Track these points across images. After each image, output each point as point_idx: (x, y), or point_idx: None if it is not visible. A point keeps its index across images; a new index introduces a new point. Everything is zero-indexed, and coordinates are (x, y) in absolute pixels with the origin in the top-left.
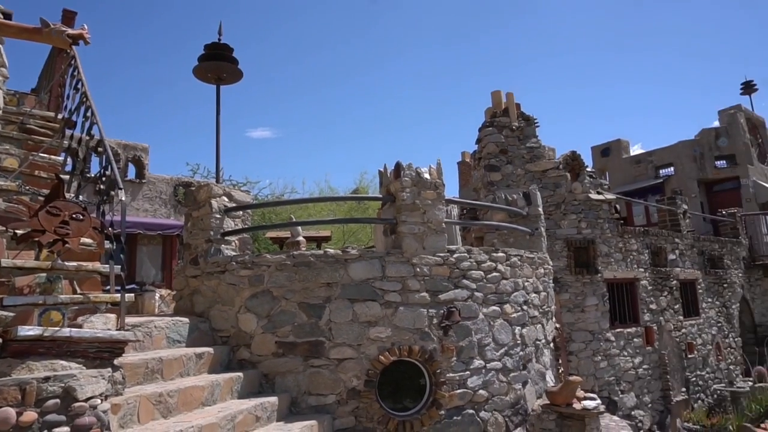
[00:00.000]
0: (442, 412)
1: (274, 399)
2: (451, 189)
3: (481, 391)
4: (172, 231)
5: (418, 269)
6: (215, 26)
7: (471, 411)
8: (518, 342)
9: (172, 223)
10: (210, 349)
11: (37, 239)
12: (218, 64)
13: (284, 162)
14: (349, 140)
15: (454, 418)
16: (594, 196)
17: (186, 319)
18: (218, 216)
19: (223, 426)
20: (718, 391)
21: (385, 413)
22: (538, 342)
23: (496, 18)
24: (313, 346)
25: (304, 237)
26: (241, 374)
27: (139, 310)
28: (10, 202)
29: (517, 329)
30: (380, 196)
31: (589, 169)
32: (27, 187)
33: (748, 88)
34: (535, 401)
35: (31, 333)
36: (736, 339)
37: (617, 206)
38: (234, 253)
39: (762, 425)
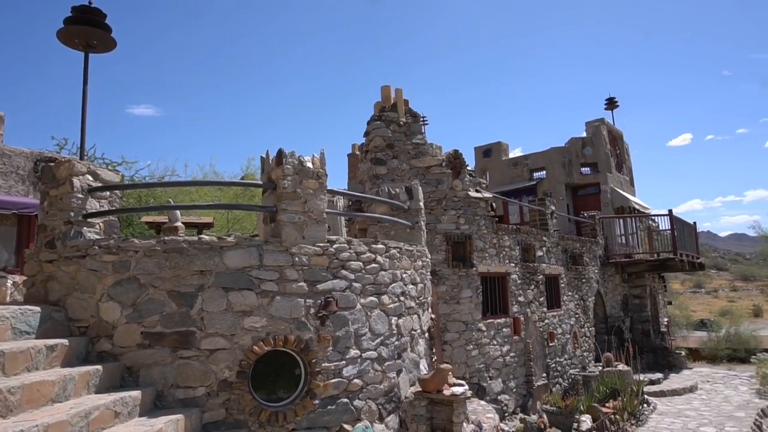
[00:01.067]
0: (317, 401)
1: (136, 393)
2: (341, 181)
3: (356, 380)
4: (30, 210)
5: (296, 259)
6: None
7: (345, 400)
8: (394, 332)
9: (30, 201)
10: (65, 341)
11: None
12: (87, 29)
13: (167, 143)
14: (239, 127)
15: (329, 407)
16: (473, 194)
17: (37, 308)
18: (80, 196)
19: (75, 423)
20: (573, 376)
21: (257, 404)
22: (413, 332)
23: (392, 11)
24: (182, 336)
25: (184, 223)
26: (100, 367)
27: None
28: None
29: (394, 319)
30: (261, 182)
31: (469, 168)
32: None
33: (611, 104)
34: (408, 389)
35: None
36: (590, 328)
37: (494, 204)
38: (97, 237)
39: (607, 404)
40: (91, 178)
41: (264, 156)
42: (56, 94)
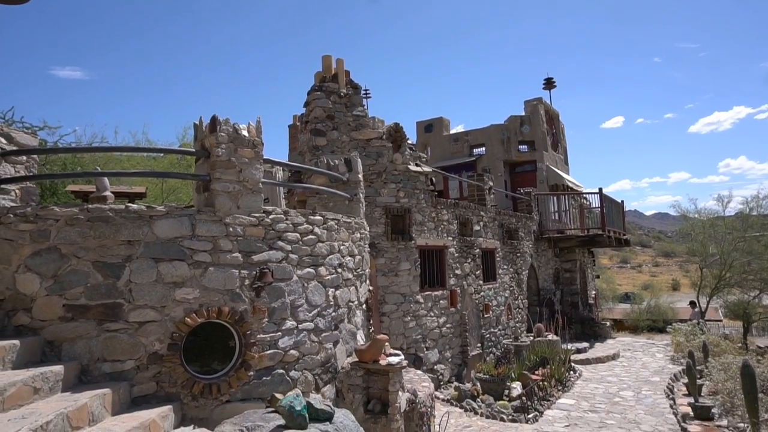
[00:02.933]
0: (251, 372)
1: (58, 368)
2: (282, 152)
3: (292, 351)
4: None
5: (231, 229)
6: None
7: (281, 371)
8: (331, 303)
9: None
10: None
11: None
12: None
13: (96, 109)
14: (177, 96)
15: (264, 378)
16: (413, 167)
17: None
18: None
19: None
20: (506, 345)
21: (190, 377)
22: (351, 303)
23: None
24: (109, 308)
25: (114, 192)
26: (17, 342)
27: None
28: None
29: (331, 291)
30: (193, 150)
31: (410, 142)
32: None
33: (549, 84)
34: (345, 359)
35: None
36: (523, 301)
37: (433, 179)
38: (13, 205)
39: (536, 372)
40: (4, 141)
41: (197, 123)
42: None
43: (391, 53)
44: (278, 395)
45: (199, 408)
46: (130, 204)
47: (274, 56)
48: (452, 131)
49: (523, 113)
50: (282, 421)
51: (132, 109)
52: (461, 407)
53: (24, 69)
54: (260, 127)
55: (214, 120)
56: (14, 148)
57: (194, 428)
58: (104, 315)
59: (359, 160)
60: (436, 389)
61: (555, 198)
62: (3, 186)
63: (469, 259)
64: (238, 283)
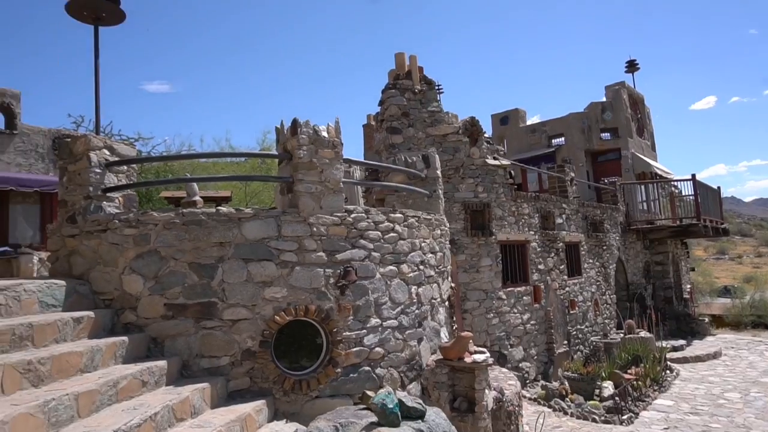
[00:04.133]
0: (339, 369)
1: (162, 363)
2: (357, 151)
3: (377, 349)
4: (52, 188)
5: (314, 229)
6: None
7: (367, 368)
8: (414, 301)
9: (50, 179)
10: (90, 313)
11: None
12: (95, 1)
13: (183, 119)
14: (254, 99)
15: (351, 375)
16: (491, 161)
17: (62, 282)
18: (98, 170)
19: (104, 392)
20: (594, 343)
21: (281, 373)
22: (433, 300)
23: None
24: (205, 307)
25: (202, 197)
26: (126, 338)
27: (14, 274)
28: None
29: (414, 288)
30: (276, 153)
31: (487, 136)
32: None
33: (632, 66)
34: (429, 357)
35: None
36: (611, 296)
37: (512, 172)
38: (117, 211)
39: (629, 371)
40: (107, 153)
41: (279, 126)
42: (71, 71)
43: (462, 46)
44: (369, 392)
45: (290, 403)
46: (220, 207)
47: (346, 56)
48: (529, 122)
49: (605, 99)
50: (374, 418)
51: (215, 117)
52: (549, 406)
53: (118, 86)
54: (339, 127)
55: (294, 123)
56: (116, 158)
57: (286, 422)
58: (201, 313)
59: (437, 156)
60: (522, 387)
61: (642, 187)
62: (108, 194)
63: (552, 254)
64: (323, 281)
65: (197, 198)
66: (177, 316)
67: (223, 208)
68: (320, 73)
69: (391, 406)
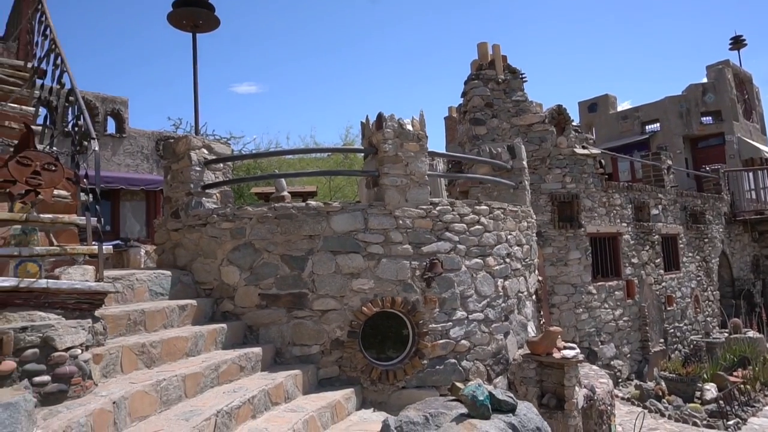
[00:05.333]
0: (425, 361)
1: (258, 349)
2: (439, 144)
3: (463, 341)
4: (156, 186)
5: (400, 221)
6: None
7: (453, 360)
8: (500, 294)
9: (155, 178)
10: (193, 302)
11: (7, 190)
12: (193, 10)
13: (269, 117)
14: (336, 96)
15: (437, 367)
16: (579, 150)
17: (168, 272)
18: (198, 169)
19: (207, 375)
20: (695, 342)
21: (368, 363)
22: (520, 294)
23: None
24: (296, 297)
25: (289, 192)
26: (225, 325)
27: (125, 265)
28: None
29: (500, 281)
30: (362, 147)
31: (575, 124)
32: None
33: (737, 43)
34: (516, 351)
35: (6, 284)
36: (714, 292)
37: (602, 161)
38: (215, 206)
39: (734, 373)
40: (206, 152)
41: (364, 121)
42: (169, 76)
43: (545, 30)
44: (458, 384)
45: (378, 392)
46: (309, 201)
47: (425, 48)
48: (619, 108)
49: (706, 80)
50: (464, 410)
51: (300, 115)
52: (644, 407)
53: (210, 89)
54: (423, 120)
55: (380, 117)
56: (213, 157)
57: (374, 411)
58: (292, 303)
59: (522, 146)
60: (613, 387)
61: (750, 174)
62: (207, 190)
63: (647, 247)
64: (409, 273)
65: (285, 193)
66: (270, 306)
67: (312, 202)
68: (401, 66)
69: (481, 398)
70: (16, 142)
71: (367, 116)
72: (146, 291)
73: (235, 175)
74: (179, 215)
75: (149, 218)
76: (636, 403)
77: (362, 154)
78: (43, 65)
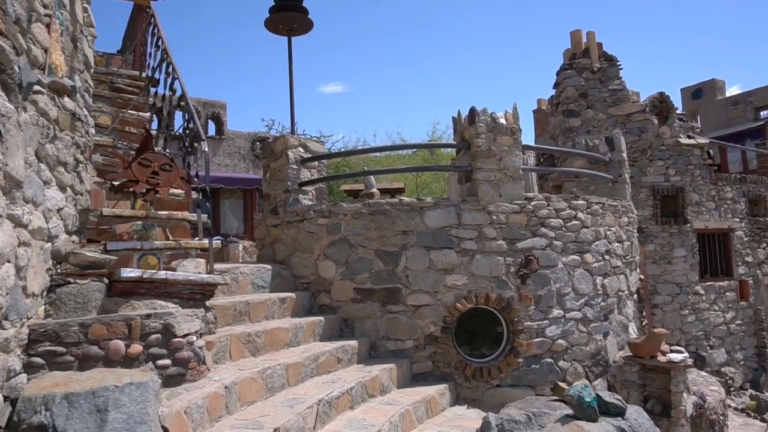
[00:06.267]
0: (520, 359)
1: (354, 342)
2: (528, 138)
3: (560, 341)
4: (252, 184)
5: (494, 217)
6: None
7: (549, 360)
8: (599, 292)
9: (251, 176)
10: (292, 294)
11: (131, 189)
12: (289, 14)
13: (356, 116)
14: (421, 92)
15: (532, 366)
16: (684, 140)
17: (269, 266)
18: (295, 167)
19: (307, 365)
20: None
21: (462, 359)
22: (620, 293)
23: None
24: (390, 292)
25: (377, 189)
26: (322, 318)
27: (225, 259)
28: (106, 156)
29: (599, 279)
30: (454, 143)
31: (678, 112)
32: (121, 142)
33: None
34: (616, 353)
35: (132, 274)
36: None
37: (710, 151)
38: (311, 203)
39: None
40: (302, 150)
41: (455, 116)
42: (259, 77)
43: (640, 14)
44: (562, 384)
45: (471, 389)
46: (402, 197)
47: (512, 39)
48: (728, 94)
49: None
50: (568, 411)
51: (386, 112)
52: (762, 420)
53: (298, 90)
54: (517, 113)
55: (472, 112)
56: (309, 155)
57: (468, 408)
58: (386, 298)
59: (621, 137)
60: (725, 395)
61: None
62: (303, 188)
63: (764, 244)
64: (503, 270)
65: (374, 190)
66: (365, 300)
67: (406, 198)
68: (486, 59)
69: (588, 399)
70: (136, 145)
71: (459, 111)
72: (249, 284)
73: (326, 175)
74: (278, 212)
75: (246, 215)
76: (752, 414)
77: (450, 150)
78: (156, 74)
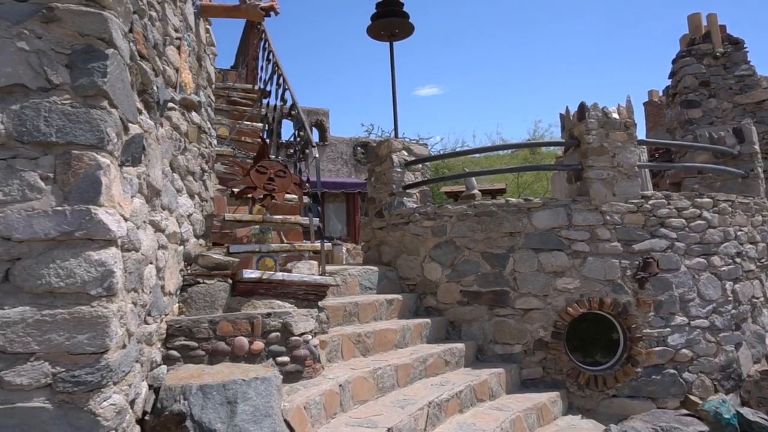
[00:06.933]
0: (639, 369)
1: (461, 345)
2: (639, 133)
3: (684, 350)
4: (354, 189)
5: (608, 217)
6: None
7: (672, 371)
8: (729, 299)
9: (353, 181)
10: (399, 296)
11: (250, 195)
12: (390, 20)
13: (453, 117)
14: (520, 90)
15: (653, 376)
16: None
17: (375, 268)
18: (399, 170)
19: (416, 367)
20: None
21: (574, 366)
22: (754, 300)
23: None
24: (497, 295)
25: (478, 190)
26: (429, 320)
27: (330, 261)
28: (226, 165)
29: (728, 284)
30: (562, 140)
31: None
32: (239, 151)
33: None
34: (751, 366)
35: (252, 275)
36: None
37: None
38: (415, 206)
39: None
40: (405, 153)
41: (563, 113)
42: (358, 82)
43: None
44: (693, 397)
45: (585, 398)
46: (508, 198)
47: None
48: None
49: None
50: (703, 427)
51: (484, 112)
52: None
53: (398, 95)
54: (631, 107)
55: (582, 107)
56: (412, 158)
57: (582, 418)
58: (493, 301)
59: (753, 128)
60: None
61: None
62: (408, 191)
63: None
64: (618, 273)
65: (475, 191)
66: (472, 303)
67: (512, 199)
68: (589, 52)
69: (727, 416)
70: (252, 154)
71: (567, 107)
72: (357, 285)
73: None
74: (383, 215)
75: (348, 218)
76: None
77: (553, 149)
78: (267, 86)
